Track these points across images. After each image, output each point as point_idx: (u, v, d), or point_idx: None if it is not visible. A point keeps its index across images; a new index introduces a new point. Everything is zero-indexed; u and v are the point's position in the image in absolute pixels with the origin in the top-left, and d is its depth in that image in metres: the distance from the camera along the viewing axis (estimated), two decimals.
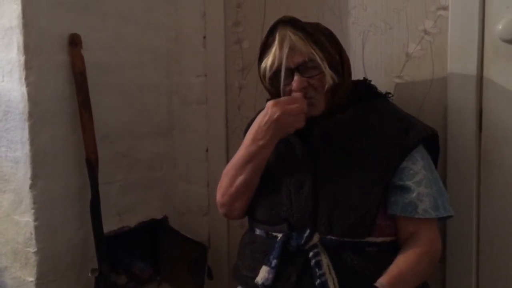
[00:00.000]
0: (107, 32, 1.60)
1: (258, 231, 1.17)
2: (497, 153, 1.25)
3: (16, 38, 1.36)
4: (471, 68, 1.25)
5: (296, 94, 1.10)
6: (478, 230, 1.29)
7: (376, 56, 1.43)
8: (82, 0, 1.51)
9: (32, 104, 1.37)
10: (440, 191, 1.11)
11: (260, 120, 1.11)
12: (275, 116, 1.08)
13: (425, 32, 1.34)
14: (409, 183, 1.07)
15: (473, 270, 1.30)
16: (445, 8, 1.29)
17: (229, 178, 1.20)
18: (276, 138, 1.11)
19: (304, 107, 1.09)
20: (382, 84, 1.30)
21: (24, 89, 1.36)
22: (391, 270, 1.03)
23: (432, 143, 1.18)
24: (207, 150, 1.86)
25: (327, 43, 1.12)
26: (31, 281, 1.42)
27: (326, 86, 1.10)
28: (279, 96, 1.15)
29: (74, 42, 1.47)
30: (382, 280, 1.00)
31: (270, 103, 1.10)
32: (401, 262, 1.05)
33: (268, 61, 1.12)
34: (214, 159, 1.84)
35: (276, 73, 1.12)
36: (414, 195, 1.06)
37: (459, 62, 1.27)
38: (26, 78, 1.36)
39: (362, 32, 1.44)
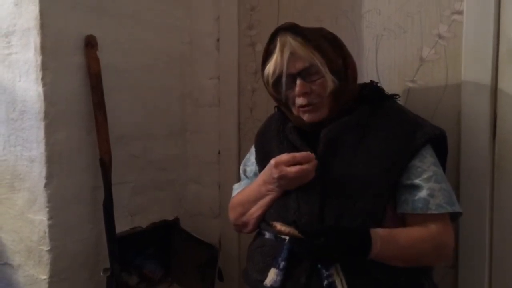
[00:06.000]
0: (122, 35, 1.62)
1: (267, 235, 1.18)
2: (511, 160, 1.23)
3: (33, 39, 1.38)
4: (486, 73, 1.24)
5: (304, 153, 1.08)
6: (491, 236, 1.27)
7: (389, 60, 1.42)
8: (98, 3, 1.53)
9: (48, 104, 1.40)
10: (450, 188, 1.10)
11: (268, 172, 1.13)
12: (276, 176, 1.10)
13: (439, 36, 1.33)
14: (417, 181, 1.07)
15: (485, 276, 1.28)
16: (460, 12, 1.28)
17: (241, 208, 1.24)
18: (286, 189, 1.13)
19: (308, 168, 1.07)
20: (395, 88, 1.29)
21: (40, 89, 1.39)
22: (391, 229, 1.04)
23: (441, 143, 1.16)
24: (219, 153, 1.87)
25: (328, 47, 1.12)
26: (44, 279, 1.44)
27: (328, 90, 1.11)
28: (283, 101, 1.17)
29: (90, 43, 1.48)
30: (379, 230, 1.01)
31: (272, 162, 1.11)
32: (403, 231, 1.05)
33: (270, 68, 1.14)
34: (226, 162, 1.85)
35: (278, 79, 1.13)
36: (424, 191, 1.05)
37: (474, 67, 1.26)
38: (42, 79, 1.38)
39: (375, 36, 1.44)
